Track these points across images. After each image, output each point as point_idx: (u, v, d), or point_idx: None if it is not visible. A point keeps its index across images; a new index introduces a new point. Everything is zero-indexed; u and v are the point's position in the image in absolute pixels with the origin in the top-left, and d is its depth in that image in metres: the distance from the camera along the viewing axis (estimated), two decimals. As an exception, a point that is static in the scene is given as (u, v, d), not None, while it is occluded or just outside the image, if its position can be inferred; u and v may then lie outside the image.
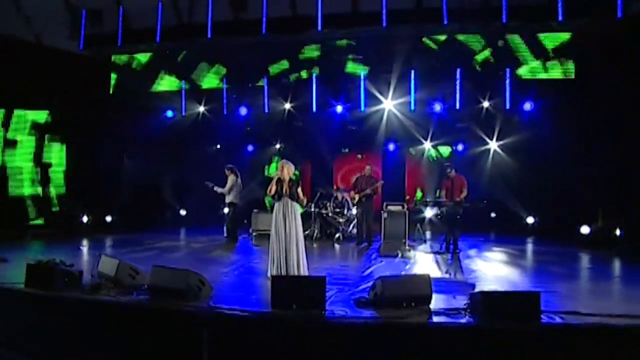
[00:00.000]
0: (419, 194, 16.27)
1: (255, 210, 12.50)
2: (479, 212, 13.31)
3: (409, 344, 4.96)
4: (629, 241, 10.22)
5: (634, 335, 4.79)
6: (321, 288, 5.36)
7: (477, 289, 6.39)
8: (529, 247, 11.78)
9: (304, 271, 7.00)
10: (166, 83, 13.25)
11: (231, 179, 11.58)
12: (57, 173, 13.08)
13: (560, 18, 9.96)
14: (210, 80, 13.03)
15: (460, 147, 15.86)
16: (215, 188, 11.49)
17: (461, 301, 5.65)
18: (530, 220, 13.97)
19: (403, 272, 8.04)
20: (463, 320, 5.12)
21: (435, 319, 5.20)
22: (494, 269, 8.59)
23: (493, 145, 14.69)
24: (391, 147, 16.34)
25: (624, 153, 10.46)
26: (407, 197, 15.63)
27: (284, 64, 12.56)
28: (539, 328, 4.88)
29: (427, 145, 15.89)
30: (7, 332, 6.09)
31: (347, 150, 16.70)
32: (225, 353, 5.11)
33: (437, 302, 5.67)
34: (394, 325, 5.07)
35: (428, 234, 13.08)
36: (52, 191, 12.97)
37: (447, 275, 7.60)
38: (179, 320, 5.35)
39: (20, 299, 6.15)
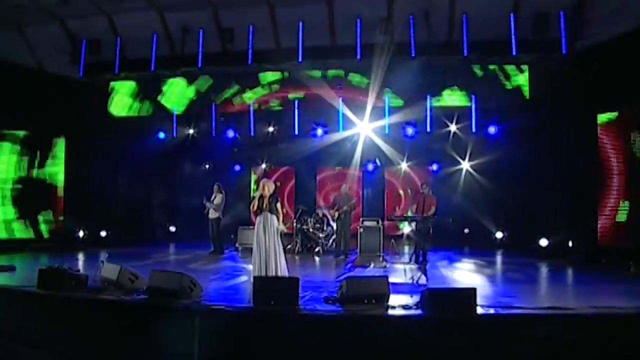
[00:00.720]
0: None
1: (241, 227, 13.39)
2: (454, 228, 14.59)
3: (368, 333, 5.90)
4: (578, 251, 11.37)
5: (555, 323, 5.80)
6: (295, 287, 6.31)
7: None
8: (494, 258, 12.80)
9: (283, 274, 7.95)
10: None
11: (220, 196, 12.57)
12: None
13: (514, 53, 11.18)
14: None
15: (434, 167, 16.97)
16: (208, 204, 12.43)
17: (416, 299, 6.63)
18: (499, 235, 15.02)
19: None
20: (414, 313, 6.10)
21: (391, 312, 6.17)
22: (458, 276, 9.64)
23: (465, 165, 15.79)
24: (370, 167, 17.37)
25: (571, 172, 11.64)
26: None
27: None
28: (475, 318, 5.87)
29: (404, 165, 16.99)
30: (21, 329, 6.96)
31: (340, 167, 17.58)
32: (213, 342, 6.02)
33: (396, 300, 6.63)
34: (355, 317, 6.03)
35: (406, 249, 14.08)
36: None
37: (410, 281, 8.56)
38: (173, 315, 6.25)
39: (34, 299, 7.05)
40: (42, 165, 13.68)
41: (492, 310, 6.10)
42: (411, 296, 6.89)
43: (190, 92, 13.74)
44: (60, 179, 13.94)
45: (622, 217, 10.71)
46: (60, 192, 13.91)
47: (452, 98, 12.67)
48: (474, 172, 15.55)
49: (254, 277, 6.67)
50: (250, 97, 13.49)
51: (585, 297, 7.18)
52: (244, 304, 6.53)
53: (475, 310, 5.89)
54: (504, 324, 5.83)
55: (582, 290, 8.37)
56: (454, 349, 5.67)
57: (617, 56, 10.39)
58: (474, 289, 6.01)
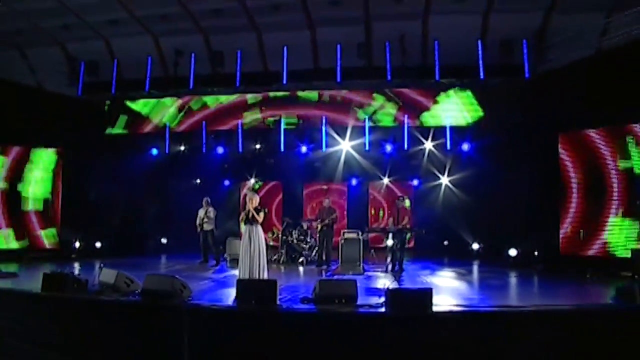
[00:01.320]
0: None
1: (229, 238, 14.10)
2: (435, 240, 15.48)
3: (338, 328, 6.69)
4: (542, 260, 12.24)
5: (498, 318, 6.65)
6: (273, 288, 7.10)
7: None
8: (468, 268, 13.55)
9: (266, 277, 8.76)
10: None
11: (212, 210, 13.35)
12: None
13: (482, 77, 12.13)
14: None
15: (415, 182, 17.83)
16: (209, 215, 13.22)
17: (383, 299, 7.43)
18: (475, 246, 15.84)
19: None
20: (379, 311, 6.90)
21: (359, 310, 6.96)
22: (435, 282, 10.44)
23: (444, 180, 16.65)
24: (354, 182, 18.20)
25: (536, 187, 12.58)
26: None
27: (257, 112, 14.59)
28: (431, 315, 6.68)
29: (386, 180, 17.84)
30: (26, 328, 7.67)
31: (326, 187, 18.43)
32: (201, 337, 6.77)
33: (366, 300, 7.45)
34: (327, 314, 6.83)
35: (388, 259, 14.86)
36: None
37: (382, 286, 9.34)
38: (165, 313, 7.01)
39: (38, 300, 7.78)
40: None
41: (445, 308, 6.96)
42: (379, 297, 7.71)
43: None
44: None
45: (578, 230, 11.74)
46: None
47: (429, 118, 13.70)
48: (452, 187, 16.38)
49: (237, 280, 7.46)
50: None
51: (532, 297, 8.09)
52: (228, 303, 7.32)
53: (431, 308, 6.71)
54: (455, 320, 6.66)
55: (532, 293, 9.50)
56: (413, 341, 6.47)
57: (574, 80, 11.39)
58: (431, 290, 6.84)
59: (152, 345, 6.77)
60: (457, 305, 7.19)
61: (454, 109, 13.55)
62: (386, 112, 13.85)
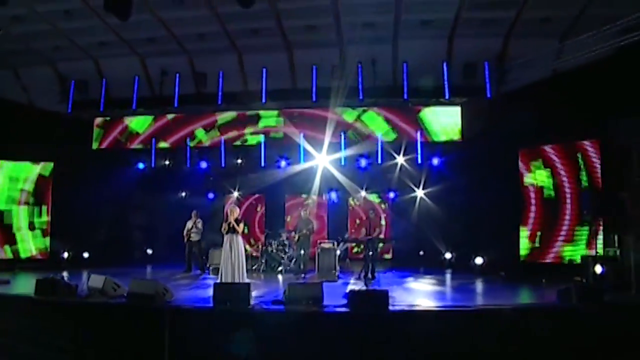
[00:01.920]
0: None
1: (211, 249, 14.76)
2: (411, 250, 16.29)
3: (304, 326, 7.46)
4: (505, 268, 13.11)
5: (444, 317, 7.47)
6: (247, 291, 7.84)
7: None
8: (439, 276, 14.23)
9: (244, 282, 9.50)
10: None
11: (201, 222, 14.01)
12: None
13: (447, 96, 13.07)
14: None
15: (392, 195, 18.62)
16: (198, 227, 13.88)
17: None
18: (448, 255, 16.63)
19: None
20: (341, 310, 7.66)
21: (324, 310, 7.72)
22: (399, 288, 11.21)
23: (419, 193, 17.46)
24: (333, 195, 18.96)
25: (499, 200, 13.43)
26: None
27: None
28: (387, 313, 7.46)
29: (363, 193, 18.61)
30: (20, 329, 8.32)
31: (310, 201, 19.15)
32: (180, 335, 7.49)
33: (333, 301, 8.21)
34: (295, 313, 7.58)
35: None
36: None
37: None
38: (148, 313, 7.72)
39: (31, 304, 8.44)
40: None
41: (399, 307, 7.78)
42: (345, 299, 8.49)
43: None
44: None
45: (536, 239, 12.66)
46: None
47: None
48: (426, 199, 17.19)
49: (214, 284, 8.18)
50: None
51: (480, 298, 8.93)
52: (206, 304, 8.04)
53: (387, 307, 7.50)
54: (408, 317, 7.46)
55: (485, 295, 10.45)
56: (371, 337, 7.25)
57: (532, 99, 12.30)
58: (386, 291, 7.63)
59: (136, 342, 7.48)
60: (410, 305, 8.00)
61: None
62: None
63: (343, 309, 7.66)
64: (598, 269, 10.06)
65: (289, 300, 7.90)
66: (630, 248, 9.79)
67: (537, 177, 12.71)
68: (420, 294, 10.22)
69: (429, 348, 7.13)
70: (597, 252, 10.71)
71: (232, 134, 15.24)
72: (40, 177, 15.03)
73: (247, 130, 15.13)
